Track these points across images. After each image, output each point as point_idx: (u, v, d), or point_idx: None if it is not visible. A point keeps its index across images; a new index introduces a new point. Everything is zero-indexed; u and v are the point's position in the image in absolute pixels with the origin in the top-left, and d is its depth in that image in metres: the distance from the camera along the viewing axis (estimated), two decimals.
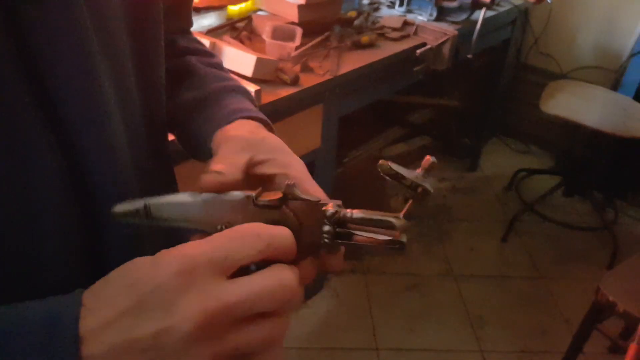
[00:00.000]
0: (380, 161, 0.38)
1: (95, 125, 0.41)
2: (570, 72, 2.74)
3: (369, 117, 2.48)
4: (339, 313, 2.02)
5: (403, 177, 0.38)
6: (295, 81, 1.39)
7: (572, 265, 2.32)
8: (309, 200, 0.39)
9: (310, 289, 2.02)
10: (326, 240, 0.39)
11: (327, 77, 1.47)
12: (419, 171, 0.38)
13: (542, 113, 2.24)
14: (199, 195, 0.41)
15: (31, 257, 0.39)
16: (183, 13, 0.65)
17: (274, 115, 1.36)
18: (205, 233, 0.40)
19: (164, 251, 0.32)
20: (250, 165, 0.45)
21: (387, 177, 0.38)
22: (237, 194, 0.41)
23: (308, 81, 1.42)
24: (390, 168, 0.38)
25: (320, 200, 0.40)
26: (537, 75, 2.83)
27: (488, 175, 2.89)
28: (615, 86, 2.58)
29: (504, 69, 2.63)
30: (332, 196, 0.42)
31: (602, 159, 2.60)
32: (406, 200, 0.39)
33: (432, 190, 0.38)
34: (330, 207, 0.39)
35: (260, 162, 0.45)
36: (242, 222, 0.37)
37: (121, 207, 0.41)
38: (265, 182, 0.45)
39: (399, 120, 2.93)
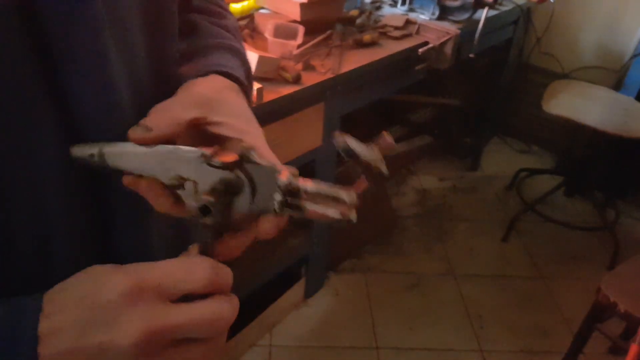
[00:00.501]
0: (336, 134, 0.37)
1: (106, 116, 0.41)
2: (572, 72, 2.73)
3: (371, 115, 2.48)
4: (339, 312, 2.02)
5: (358, 155, 0.37)
6: (297, 79, 1.39)
7: (572, 265, 2.32)
8: (264, 166, 0.39)
9: (311, 287, 2.02)
10: (276, 208, 0.39)
11: (329, 75, 1.46)
12: (375, 149, 0.38)
13: (544, 113, 2.24)
14: (154, 146, 0.40)
15: (40, 236, 0.40)
16: None
17: (276, 114, 1.36)
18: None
19: (119, 268, 0.34)
20: (203, 123, 0.43)
21: (342, 154, 0.37)
22: (193, 150, 0.40)
23: (310, 79, 1.42)
24: (346, 144, 0.37)
25: (275, 166, 0.39)
26: (539, 75, 2.83)
27: (489, 174, 2.89)
28: (617, 86, 2.58)
29: (506, 69, 2.63)
30: None
31: (603, 159, 2.59)
32: (358, 176, 0.39)
33: (387, 174, 0.38)
34: (284, 175, 0.39)
35: (215, 124, 0.43)
36: (195, 179, 0.39)
37: (78, 150, 0.40)
38: (220, 142, 0.43)
39: (400, 119, 2.93)
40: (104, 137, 0.41)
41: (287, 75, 1.38)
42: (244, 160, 0.39)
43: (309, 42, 1.58)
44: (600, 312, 1.51)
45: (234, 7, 1.72)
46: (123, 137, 0.42)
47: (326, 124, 1.58)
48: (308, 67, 1.47)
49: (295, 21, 1.60)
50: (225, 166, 0.39)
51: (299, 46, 1.52)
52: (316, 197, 0.38)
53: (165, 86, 0.51)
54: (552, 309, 2.11)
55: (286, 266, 1.81)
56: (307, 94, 1.41)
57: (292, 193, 0.39)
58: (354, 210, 0.38)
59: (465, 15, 1.96)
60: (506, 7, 2.25)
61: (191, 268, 0.35)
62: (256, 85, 1.25)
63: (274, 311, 1.88)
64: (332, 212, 0.38)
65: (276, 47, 1.48)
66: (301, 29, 1.52)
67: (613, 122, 2.15)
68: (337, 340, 1.91)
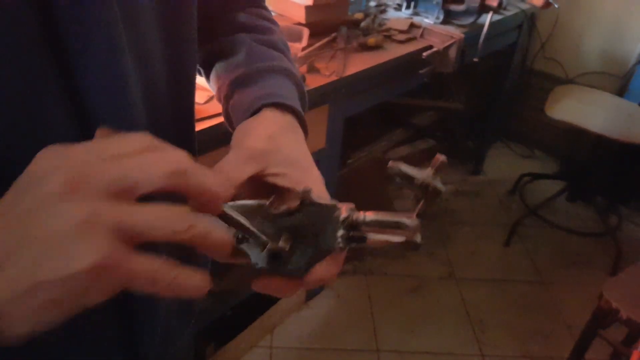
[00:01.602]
0: (390, 163, 0.38)
1: (117, 114, 0.41)
2: (576, 77, 2.73)
3: (374, 118, 2.48)
4: (340, 314, 2.02)
5: (413, 178, 0.38)
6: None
7: (574, 271, 2.32)
8: (324, 205, 0.39)
9: (312, 289, 2.02)
10: (340, 245, 0.39)
11: (333, 78, 1.47)
12: (428, 170, 0.39)
13: (547, 118, 2.24)
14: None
15: None
16: None
17: None
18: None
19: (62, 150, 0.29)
20: (261, 175, 0.43)
21: (398, 179, 0.38)
22: (252, 203, 0.40)
23: (314, 82, 1.43)
24: (400, 170, 0.38)
25: (335, 204, 0.39)
26: (542, 80, 2.83)
27: (492, 179, 2.89)
28: (621, 92, 2.58)
29: (510, 73, 2.63)
30: (336, 197, 0.42)
31: (606, 165, 2.59)
32: (418, 200, 0.39)
33: (443, 189, 0.38)
34: (344, 211, 0.39)
35: (272, 175, 0.43)
36: (255, 229, 0.37)
37: None
38: (278, 191, 0.44)
39: (403, 122, 2.93)
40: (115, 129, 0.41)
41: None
42: (306, 203, 0.39)
43: (314, 45, 1.58)
44: (602, 318, 1.50)
45: None
46: (131, 126, 0.42)
47: (330, 126, 1.58)
48: (312, 70, 1.48)
49: (300, 24, 1.60)
50: (289, 212, 0.39)
51: (303, 48, 1.52)
52: (377, 225, 0.39)
53: (182, 88, 0.52)
54: (554, 314, 2.10)
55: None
56: (311, 96, 1.40)
57: (353, 226, 0.39)
58: (419, 234, 0.39)
59: (470, 20, 1.97)
60: (510, 11, 2.26)
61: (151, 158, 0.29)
62: None
63: (275, 313, 1.88)
64: (396, 237, 0.39)
65: None
66: (306, 32, 1.53)
67: (616, 128, 2.15)
68: (338, 342, 1.91)
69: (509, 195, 2.77)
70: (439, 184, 0.38)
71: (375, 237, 0.39)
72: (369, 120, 2.40)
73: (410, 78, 1.83)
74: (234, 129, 0.51)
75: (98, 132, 0.33)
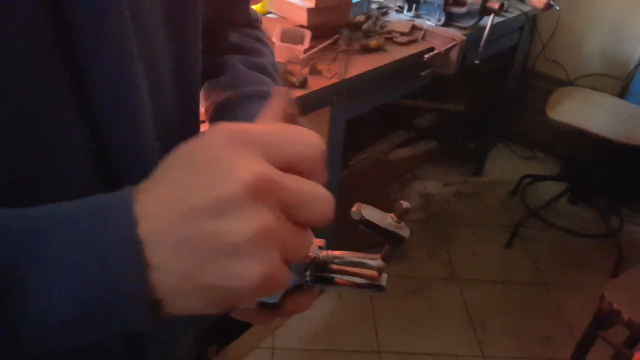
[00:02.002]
0: (354, 207, 0.37)
1: (127, 122, 0.42)
2: (577, 79, 2.74)
3: (375, 120, 2.49)
4: (342, 315, 2.02)
5: (376, 226, 0.37)
6: (303, 84, 1.40)
7: (576, 272, 2.32)
8: None
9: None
10: (308, 283, 0.40)
11: (335, 80, 1.47)
12: (392, 216, 0.38)
13: (548, 119, 2.24)
14: None
15: None
16: (239, 7, 0.64)
17: None
18: None
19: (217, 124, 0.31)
20: None
21: (360, 226, 0.37)
22: None
23: (316, 84, 1.43)
24: (363, 218, 0.37)
25: None
26: (544, 82, 2.83)
27: (493, 180, 2.89)
28: (622, 94, 2.58)
29: (511, 75, 2.63)
30: (338, 198, 0.43)
31: (607, 167, 2.59)
32: (382, 245, 0.40)
33: (406, 237, 0.38)
34: (310, 251, 0.40)
35: None
36: None
37: None
38: None
39: (404, 124, 2.93)
40: (123, 139, 0.42)
41: (294, 80, 1.39)
42: None
43: (316, 47, 1.59)
44: (603, 319, 1.51)
45: None
46: (140, 140, 0.43)
47: (331, 128, 1.58)
48: (314, 72, 1.48)
49: (302, 26, 1.61)
50: None
51: (305, 51, 1.53)
52: (344, 265, 0.40)
53: (188, 91, 0.52)
54: (555, 316, 2.11)
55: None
56: (313, 98, 1.42)
57: (320, 266, 0.40)
58: (384, 275, 0.40)
59: (471, 22, 1.97)
60: (512, 14, 2.26)
61: (300, 136, 0.33)
62: None
63: None
64: (361, 280, 0.40)
65: (283, 52, 1.49)
66: (308, 34, 1.53)
67: (618, 130, 2.15)
68: (340, 343, 1.91)
69: (510, 196, 2.77)
70: (402, 232, 0.38)
71: (341, 278, 0.40)
72: (371, 122, 2.40)
73: (412, 80, 1.84)
74: None
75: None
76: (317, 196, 0.31)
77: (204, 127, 0.60)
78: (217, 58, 0.60)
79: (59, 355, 0.43)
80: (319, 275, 0.40)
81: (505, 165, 3.00)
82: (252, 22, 0.67)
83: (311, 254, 0.40)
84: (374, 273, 0.40)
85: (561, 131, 2.45)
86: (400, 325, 2.01)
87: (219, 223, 0.28)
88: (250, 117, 0.52)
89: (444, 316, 2.07)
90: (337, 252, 0.40)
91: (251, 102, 0.55)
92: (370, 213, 0.37)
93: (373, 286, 0.40)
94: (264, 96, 0.56)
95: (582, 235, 2.49)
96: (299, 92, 1.38)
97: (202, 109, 0.60)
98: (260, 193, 0.28)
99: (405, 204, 0.38)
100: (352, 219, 0.37)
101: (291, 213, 0.30)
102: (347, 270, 0.40)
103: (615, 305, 1.43)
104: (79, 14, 0.36)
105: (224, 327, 1.72)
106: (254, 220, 0.28)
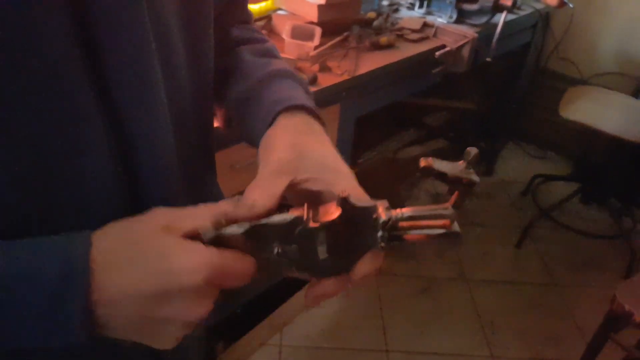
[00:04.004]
0: (422, 163, 0.38)
1: (145, 113, 0.42)
2: (590, 77, 2.70)
3: (385, 118, 2.48)
4: (349, 313, 2.01)
5: (446, 174, 0.39)
6: (313, 81, 1.39)
7: (587, 274, 2.29)
8: (363, 207, 0.40)
9: None
10: (382, 245, 0.40)
11: (345, 77, 1.46)
12: (461, 163, 0.39)
13: (561, 118, 2.21)
14: (245, 224, 0.40)
15: (79, 222, 0.41)
16: (239, 5, 0.66)
17: None
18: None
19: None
20: (292, 185, 0.44)
21: (433, 177, 0.39)
22: (284, 217, 0.40)
23: (326, 81, 1.42)
24: (434, 169, 0.38)
25: (373, 205, 0.40)
26: (556, 81, 2.80)
27: (504, 180, 2.87)
28: (636, 93, 2.54)
29: (523, 73, 2.61)
30: None
31: (620, 167, 2.56)
32: (452, 193, 0.40)
33: (477, 180, 0.39)
34: (382, 212, 0.40)
35: (304, 181, 0.45)
36: (294, 246, 0.40)
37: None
38: (309, 196, 0.45)
39: (415, 122, 2.92)
40: (140, 129, 0.42)
41: (304, 77, 1.39)
42: (346, 210, 0.39)
43: (326, 44, 1.58)
44: (614, 321, 1.48)
45: (252, 7, 1.73)
46: (156, 131, 0.44)
47: (341, 125, 1.58)
48: (324, 69, 1.48)
49: (312, 22, 1.60)
50: (329, 224, 0.40)
51: (315, 47, 1.52)
52: (415, 220, 0.40)
53: (202, 83, 0.53)
54: (566, 317, 2.09)
55: None
56: (323, 95, 1.42)
57: (392, 226, 0.40)
58: (456, 223, 0.40)
59: (483, 19, 1.95)
60: (525, 11, 2.24)
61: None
62: None
63: (285, 311, 1.89)
64: (434, 230, 0.40)
65: (293, 48, 1.48)
66: (318, 31, 1.53)
67: (631, 130, 2.12)
68: (347, 341, 1.91)
69: (522, 196, 2.74)
70: (473, 176, 0.39)
71: (414, 233, 0.40)
72: (381, 120, 2.39)
73: (423, 78, 1.82)
74: (253, 138, 0.53)
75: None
76: (244, 269, 0.40)
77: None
78: (225, 58, 0.60)
79: (76, 355, 0.44)
80: (392, 235, 0.40)
81: (516, 165, 2.98)
82: (250, 21, 0.69)
83: (383, 217, 0.39)
84: (446, 222, 0.40)
85: (574, 131, 2.42)
86: (408, 325, 2.00)
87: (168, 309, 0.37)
88: (276, 96, 0.52)
89: (452, 316, 2.06)
90: (405, 209, 0.40)
91: (273, 82, 0.55)
92: (440, 164, 0.39)
93: (447, 235, 0.40)
94: (281, 75, 0.56)
95: (594, 236, 2.46)
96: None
97: (220, 108, 0.61)
98: (210, 282, 0.36)
99: (474, 150, 0.39)
100: (423, 173, 0.38)
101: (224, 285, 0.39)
102: (418, 224, 0.40)
103: (627, 307, 1.41)
104: (97, 6, 0.37)
105: (232, 324, 1.72)
106: (203, 304, 0.38)
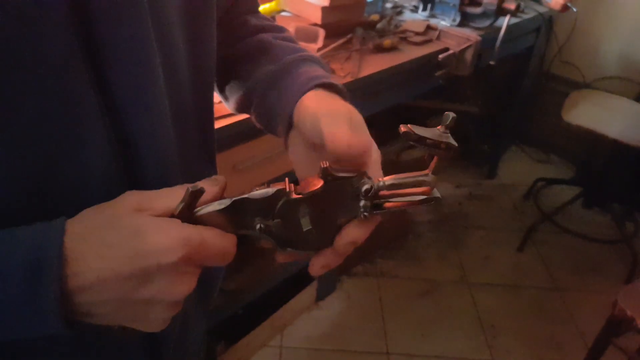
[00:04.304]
0: (403, 128, 0.39)
1: (145, 109, 0.43)
2: (593, 81, 2.70)
3: (388, 120, 2.47)
4: (351, 315, 2.01)
5: (426, 138, 0.39)
6: None
7: (589, 278, 2.29)
8: (345, 178, 0.40)
9: (323, 290, 2.02)
10: (365, 214, 0.41)
11: (348, 79, 1.47)
12: (439, 128, 0.40)
13: (564, 122, 2.21)
14: (227, 201, 0.40)
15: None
16: None
17: None
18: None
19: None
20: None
21: (412, 142, 0.39)
22: (266, 191, 0.40)
23: None
24: (414, 133, 0.39)
25: (356, 175, 0.40)
26: (559, 84, 2.80)
27: (506, 183, 2.86)
28: (639, 97, 2.54)
29: (526, 77, 2.60)
30: None
31: (623, 171, 2.55)
32: (431, 158, 0.41)
33: (455, 144, 0.40)
34: (363, 181, 0.40)
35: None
36: (277, 221, 0.40)
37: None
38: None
39: (418, 124, 2.91)
40: (141, 126, 0.43)
41: None
42: (327, 181, 0.40)
43: (330, 46, 1.58)
44: (616, 326, 1.48)
45: None
46: (157, 130, 0.44)
47: None
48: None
49: (316, 24, 1.61)
50: (312, 195, 0.40)
51: (319, 49, 1.52)
52: (397, 188, 0.41)
53: (203, 82, 0.54)
54: (567, 321, 2.08)
55: (299, 268, 1.81)
56: None
57: (374, 195, 0.41)
58: (436, 189, 0.41)
59: (487, 23, 1.95)
60: (528, 15, 2.24)
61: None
62: None
63: (286, 313, 1.89)
64: (415, 197, 0.41)
65: None
66: (322, 32, 1.53)
67: (635, 134, 2.12)
68: (348, 344, 1.90)
69: (524, 200, 2.74)
70: (451, 140, 0.40)
71: (394, 201, 0.41)
72: (383, 122, 2.39)
73: (426, 80, 1.82)
74: (270, 119, 0.54)
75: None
76: (224, 246, 0.39)
77: (219, 108, 0.61)
78: (248, 42, 0.60)
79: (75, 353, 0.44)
80: (374, 203, 0.41)
81: (518, 168, 2.97)
82: (256, 9, 0.69)
83: (366, 186, 0.40)
84: (426, 188, 0.41)
85: (576, 135, 2.42)
86: (409, 328, 1.99)
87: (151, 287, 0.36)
88: (310, 74, 0.52)
89: (454, 319, 2.05)
90: (387, 178, 0.41)
91: (303, 65, 0.55)
92: (420, 129, 0.39)
93: (428, 200, 0.41)
94: (310, 60, 0.56)
95: (596, 240, 2.46)
96: None
97: (241, 90, 0.60)
98: (188, 259, 0.37)
99: (451, 114, 0.40)
100: (404, 138, 0.39)
101: (205, 262, 0.39)
102: (400, 192, 0.41)
103: (628, 312, 1.41)
104: (98, 3, 0.37)
105: (233, 325, 1.72)
106: (185, 281, 0.38)
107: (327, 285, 2.04)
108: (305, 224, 0.41)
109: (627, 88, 2.58)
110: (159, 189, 0.45)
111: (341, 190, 0.40)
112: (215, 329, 1.66)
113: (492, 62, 1.97)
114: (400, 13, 2.03)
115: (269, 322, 1.82)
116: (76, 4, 0.36)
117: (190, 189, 0.37)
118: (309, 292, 1.96)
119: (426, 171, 0.41)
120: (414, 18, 1.98)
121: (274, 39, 0.60)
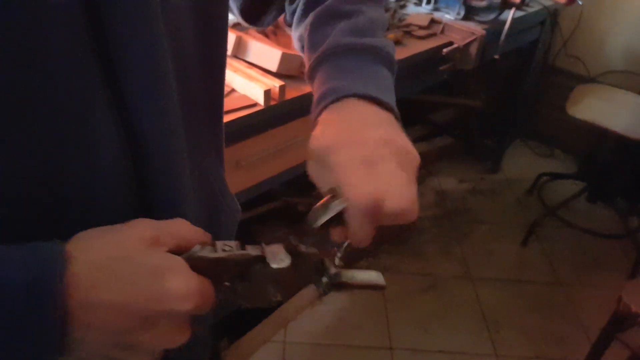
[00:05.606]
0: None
1: (156, 109, 0.42)
2: (598, 75, 2.68)
3: None
4: (354, 311, 2.01)
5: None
6: None
7: (593, 273, 2.28)
8: (311, 254, 0.45)
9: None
10: (325, 290, 0.47)
11: None
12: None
13: (568, 117, 2.20)
14: (222, 253, 0.41)
15: (88, 214, 0.41)
16: None
17: (298, 111, 1.36)
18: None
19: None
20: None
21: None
22: (248, 253, 0.42)
23: None
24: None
25: (318, 253, 0.46)
26: (564, 78, 2.78)
27: (510, 177, 2.85)
28: None
29: (531, 71, 2.59)
30: None
31: (628, 166, 2.54)
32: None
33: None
34: (328, 262, 0.47)
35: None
36: (246, 283, 0.43)
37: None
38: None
39: (421, 119, 2.91)
40: (151, 123, 0.42)
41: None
42: (299, 257, 0.44)
43: None
44: (620, 321, 1.48)
45: None
46: (167, 126, 0.44)
47: None
48: None
49: None
50: (284, 269, 0.43)
51: None
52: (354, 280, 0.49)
53: (213, 77, 0.54)
54: (571, 316, 2.08)
55: None
56: None
57: (335, 277, 0.47)
58: (382, 278, 0.52)
59: (491, 16, 1.94)
60: (533, 8, 2.22)
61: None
62: (279, 83, 1.25)
63: (289, 308, 1.89)
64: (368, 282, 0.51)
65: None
66: None
67: (639, 128, 2.11)
68: (352, 339, 1.90)
69: (527, 194, 2.73)
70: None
71: (352, 282, 0.49)
72: None
73: (430, 74, 1.81)
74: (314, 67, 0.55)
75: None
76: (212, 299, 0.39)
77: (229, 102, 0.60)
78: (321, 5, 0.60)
79: None
80: (333, 283, 0.47)
81: (522, 163, 2.96)
82: None
83: (333, 269, 0.47)
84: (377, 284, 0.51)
85: (581, 129, 2.40)
86: (412, 322, 1.99)
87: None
88: (344, 91, 0.52)
89: (457, 314, 2.05)
90: (347, 271, 0.49)
91: (348, 57, 0.56)
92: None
93: (375, 287, 0.52)
94: (378, 54, 0.59)
95: (600, 235, 2.45)
96: None
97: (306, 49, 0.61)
98: (197, 310, 0.36)
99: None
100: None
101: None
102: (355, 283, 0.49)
103: (632, 307, 1.41)
104: (110, 2, 0.37)
105: (236, 321, 1.72)
106: (184, 332, 0.37)
107: None
108: (271, 292, 0.44)
109: (633, 82, 2.56)
110: (167, 186, 0.45)
111: (308, 265, 0.45)
112: (219, 325, 1.66)
113: (496, 56, 1.96)
114: (404, 6, 2.01)
115: (272, 318, 1.82)
116: (87, 3, 0.36)
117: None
118: (312, 288, 1.96)
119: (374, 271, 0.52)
120: (418, 12, 1.97)
121: (366, 11, 0.59)
